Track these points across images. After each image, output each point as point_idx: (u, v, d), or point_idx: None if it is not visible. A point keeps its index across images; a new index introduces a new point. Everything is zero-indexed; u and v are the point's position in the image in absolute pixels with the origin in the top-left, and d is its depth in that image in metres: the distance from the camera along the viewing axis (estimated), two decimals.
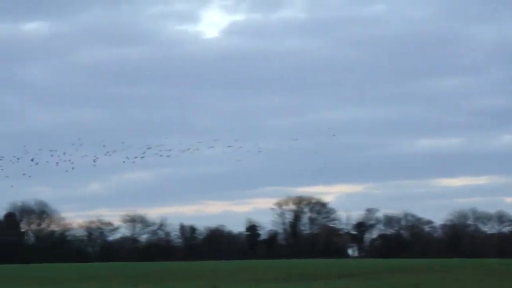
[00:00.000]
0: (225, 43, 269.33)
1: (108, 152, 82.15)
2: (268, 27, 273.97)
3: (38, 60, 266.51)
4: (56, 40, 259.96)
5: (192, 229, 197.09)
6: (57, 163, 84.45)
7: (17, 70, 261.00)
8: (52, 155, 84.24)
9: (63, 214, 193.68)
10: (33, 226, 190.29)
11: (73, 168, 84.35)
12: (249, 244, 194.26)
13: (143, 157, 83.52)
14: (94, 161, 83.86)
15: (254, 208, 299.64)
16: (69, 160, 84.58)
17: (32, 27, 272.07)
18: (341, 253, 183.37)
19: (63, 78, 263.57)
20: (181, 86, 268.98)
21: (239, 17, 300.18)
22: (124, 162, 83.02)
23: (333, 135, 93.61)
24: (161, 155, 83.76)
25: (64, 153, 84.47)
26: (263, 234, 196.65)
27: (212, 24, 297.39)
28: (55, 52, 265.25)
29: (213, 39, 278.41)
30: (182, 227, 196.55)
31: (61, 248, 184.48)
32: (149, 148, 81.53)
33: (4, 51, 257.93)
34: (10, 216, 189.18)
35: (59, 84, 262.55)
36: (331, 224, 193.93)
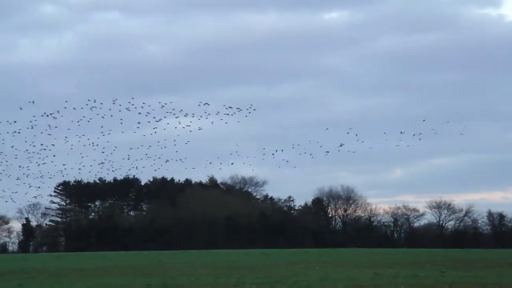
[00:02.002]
0: None
1: (410, 136, 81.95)
2: None
3: (338, 49, 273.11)
4: (355, 29, 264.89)
5: (501, 216, 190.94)
6: (370, 147, 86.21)
7: (318, 58, 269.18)
8: (358, 140, 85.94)
9: (369, 200, 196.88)
10: (340, 211, 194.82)
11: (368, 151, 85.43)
12: None
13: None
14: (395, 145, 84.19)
15: None
16: (370, 147, 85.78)
17: (333, 16, 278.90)
18: None
19: (362, 67, 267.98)
20: (484, 71, 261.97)
21: None
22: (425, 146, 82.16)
23: None
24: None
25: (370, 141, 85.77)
26: None
27: None
28: (354, 41, 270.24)
29: None
30: (490, 214, 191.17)
31: (367, 233, 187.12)
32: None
33: (305, 40, 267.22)
34: (318, 201, 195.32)
35: (358, 72, 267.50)
36: None
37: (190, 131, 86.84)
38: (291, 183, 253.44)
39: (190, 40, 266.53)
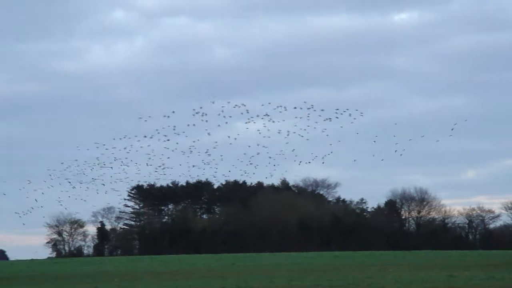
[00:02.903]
0: None
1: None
2: None
3: (409, 49, 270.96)
4: (426, 29, 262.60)
5: None
6: (442, 149, 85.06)
7: (388, 59, 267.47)
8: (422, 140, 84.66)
9: (442, 201, 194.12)
10: (413, 213, 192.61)
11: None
12: None
13: None
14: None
15: None
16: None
17: (403, 17, 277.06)
18: None
19: (433, 66, 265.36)
20: None
21: None
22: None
23: None
24: None
25: (437, 141, 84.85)
26: None
27: None
28: (425, 41, 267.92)
29: None
30: None
31: (441, 235, 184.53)
32: None
33: (375, 41, 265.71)
34: (391, 203, 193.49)
35: (429, 72, 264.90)
36: None
37: (266, 133, 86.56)
38: (364, 185, 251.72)
39: (259, 43, 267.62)
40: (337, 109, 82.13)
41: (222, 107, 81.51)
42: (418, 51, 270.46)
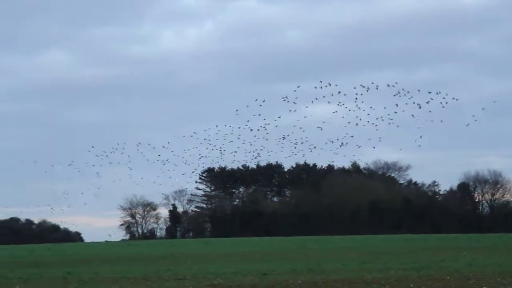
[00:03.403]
0: None
1: None
2: None
3: (479, 31, 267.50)
4: (496, 10, 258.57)
5: None
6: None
7: (458, 41, 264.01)
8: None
9: None
10: (487, 196, 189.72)
11: None
12: None
13: None
14: None
15: None
16: None
17: None
18: None
19: (506, 48, 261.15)
20: None
21: None
22: None
23: None
24: None
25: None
26: None
27: None
28: (495, 22, 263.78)
29: None
30: None
31: None
32: None
33: (445, 22, 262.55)
34: (464, 186, 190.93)
35: (501, 53, 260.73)
36: None
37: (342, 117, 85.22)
38: (436, 168, 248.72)
39: (330, 25, 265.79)
40: (430, 92, 78.78)
41: (315, 88, 79.44)
42: (490, 32, 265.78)
